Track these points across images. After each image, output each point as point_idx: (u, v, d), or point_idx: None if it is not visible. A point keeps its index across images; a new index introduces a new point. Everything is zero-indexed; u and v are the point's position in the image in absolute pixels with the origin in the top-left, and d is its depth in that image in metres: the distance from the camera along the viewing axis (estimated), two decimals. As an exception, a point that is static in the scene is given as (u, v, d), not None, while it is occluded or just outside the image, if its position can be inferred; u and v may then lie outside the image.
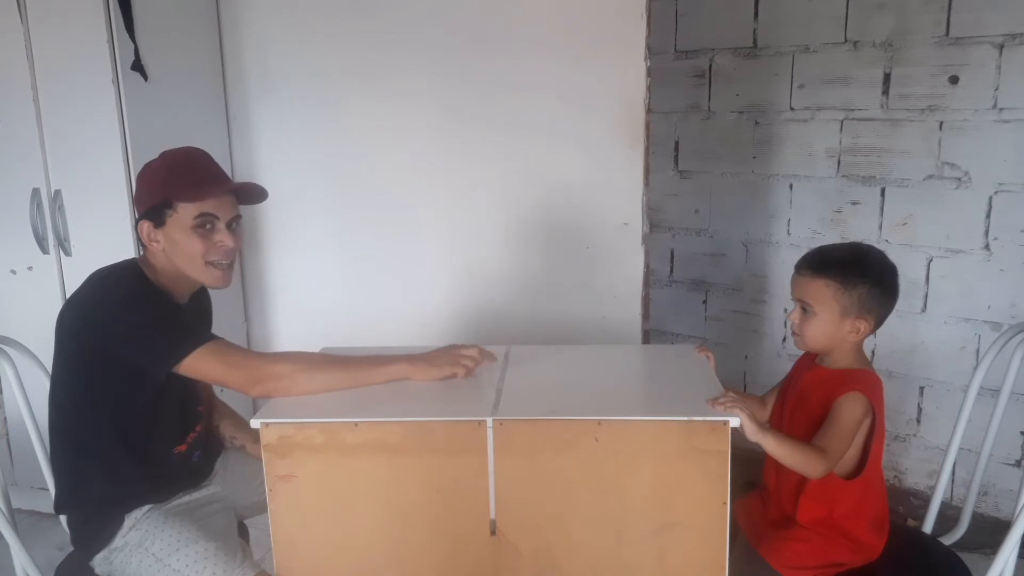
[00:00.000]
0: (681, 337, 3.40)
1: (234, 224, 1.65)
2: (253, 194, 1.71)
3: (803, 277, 1.63)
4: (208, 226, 1.59)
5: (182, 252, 1.59)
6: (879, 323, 1.63)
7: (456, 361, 1.64)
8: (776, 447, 1.48)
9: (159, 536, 1.57)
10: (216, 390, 1.89)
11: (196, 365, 1.53)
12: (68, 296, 1.61)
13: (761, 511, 1.74)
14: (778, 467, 1.60)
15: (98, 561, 1.61)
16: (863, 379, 1.60)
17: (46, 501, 1.76)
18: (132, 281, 1.59)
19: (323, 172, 2.81)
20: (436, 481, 1.46)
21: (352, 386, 1.59)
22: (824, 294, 1.59)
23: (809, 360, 1.74)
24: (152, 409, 1.62)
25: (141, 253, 1.67)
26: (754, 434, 1.44)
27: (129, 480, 1.62)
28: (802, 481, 1.60)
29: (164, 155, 1.65)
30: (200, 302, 1.79)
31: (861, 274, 1.59)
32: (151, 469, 1.64)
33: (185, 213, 1.58)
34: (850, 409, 1.55)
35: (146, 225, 1.60)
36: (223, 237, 1.61)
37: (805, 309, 1.62)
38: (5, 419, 2.74)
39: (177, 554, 1.54)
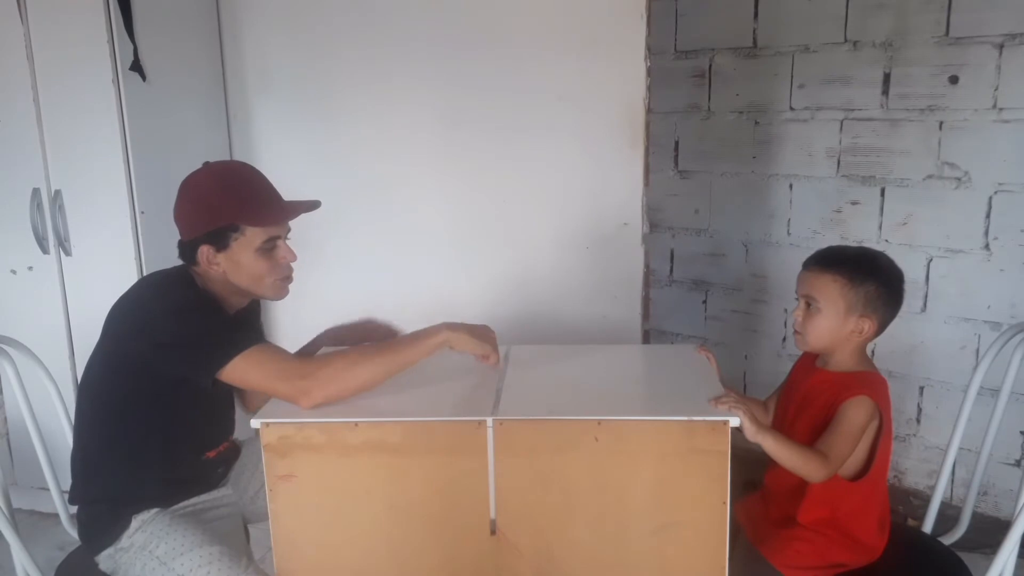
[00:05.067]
0: (681, 337, 3.39)
1: (288, 236, 1.66)
2: (310, 209, 1.68)
3: (811, 273, 1.63)
4: (273, 247, 1.60)
5: (246, 273, 1.59)
6: (882, 327, 1.62)
7: (494, 345, 1.62)
8: (776, 448, 1.48)
9: (164, 539, 1.57)
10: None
11: (236, 374, 1.50)
12: (119, 297, 1.60)
13: (763, 511, 1.73)
14: (780, 467, 1.60)
15: (103, 558, 1.61)
16: (869, 382, 1.59)
17: (46, 501, 1.77)
18: (183, 291, 1.57)
19: (323, 172, 2.80)
20: (436, 481, 1.46)
21: (399, 367, 1.52)
22: (831, 289, 1.59)
23: (809, 363, 1.72)
24: (192, 414, 1.62)
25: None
26: (753, 434, 1.43)
27: (148, 481, 1.62)
28: (804, 481, 1.59)
29: (214, 174, 1.62)
30: (251, 312, 1.78)
31: (869, 272, 1.59)
32: (174, 472, 1.64)
33: (253, 236, 1.57)
34: (855, 413, 1.54)
35: (207, 249, 1.58)
36: (285, 253, 1.62)
37: (810, 305, 1.62)
38: (5, 419, 2.74)
39: (181, 558, 1.54)
